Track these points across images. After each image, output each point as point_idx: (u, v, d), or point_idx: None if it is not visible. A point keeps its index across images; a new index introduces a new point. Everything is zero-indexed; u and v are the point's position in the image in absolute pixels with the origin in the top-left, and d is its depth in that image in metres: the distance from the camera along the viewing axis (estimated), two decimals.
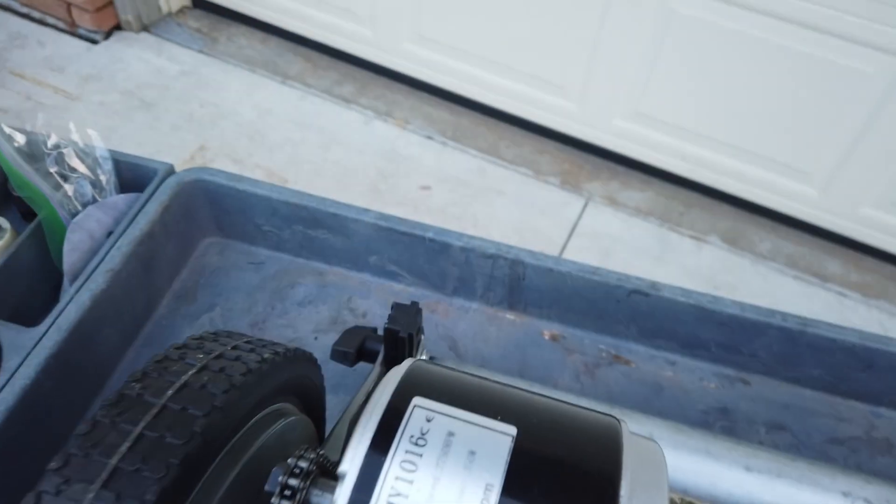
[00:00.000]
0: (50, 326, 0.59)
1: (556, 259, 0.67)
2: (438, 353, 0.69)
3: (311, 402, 0.46)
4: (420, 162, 1.87)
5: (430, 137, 1.97)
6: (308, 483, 0.29)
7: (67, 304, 0.61)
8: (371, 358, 0.57)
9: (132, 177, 0.74)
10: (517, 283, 0.70)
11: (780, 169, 1.71)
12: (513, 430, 0.26)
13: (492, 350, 0.70)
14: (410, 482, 0.25)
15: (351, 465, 0.25)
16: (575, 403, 0.31)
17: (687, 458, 0.54)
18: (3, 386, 0.55)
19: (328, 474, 0.31)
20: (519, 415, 0.27)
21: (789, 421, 0.65)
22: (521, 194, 1.87)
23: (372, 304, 0.74)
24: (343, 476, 0.25)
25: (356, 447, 0.26)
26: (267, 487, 0.29)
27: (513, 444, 0.26)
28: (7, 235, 0.68)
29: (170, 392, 0.33)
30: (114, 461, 0.29)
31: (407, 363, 0.30)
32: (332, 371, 0.67)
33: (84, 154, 0.70)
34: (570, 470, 0.26)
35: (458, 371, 0.30)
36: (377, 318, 0.72)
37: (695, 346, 0.68)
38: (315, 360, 0.47)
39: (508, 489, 0.24)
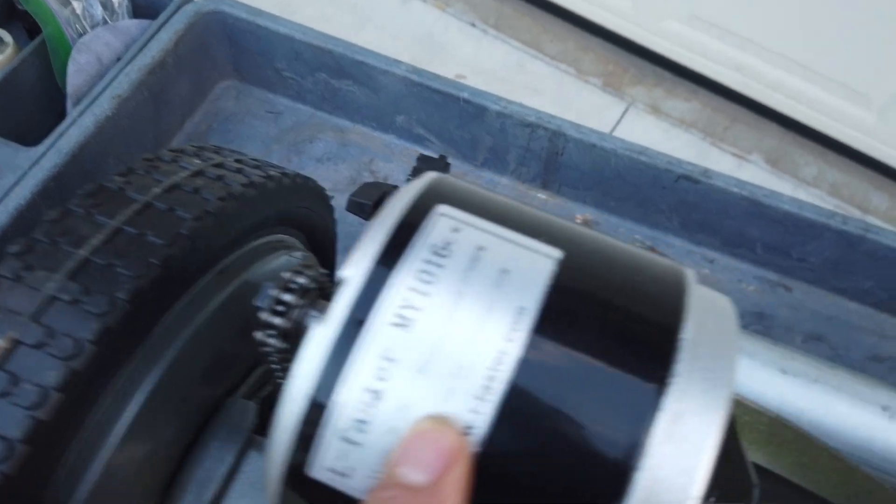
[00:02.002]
0: (50, 148, 0.55)
1: (601, 135, 0.61)
2: None
3: (318, 242, 0.42)
4: (457, 50, 1.77)
5: (470, 24, 1.86)
6: (305, 302, 0.25)
7: (69, 126, 0.56)
8: None
9: (146, 3, 0.68)
10: (554, 158, 0.64)
11: (837, 89, 1.59)
12: (557, 252, 0.22)
13: None
14: (426, 294, 0.20)
15: (355, 269, 0.21)
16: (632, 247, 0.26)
17: None
18: None
19: (323, 298, 0.27)
20: (565, 240, 0.22)
21: (829, 333, 0.61)
22: (560, 93, 1.78)
23: (395, 168, 0.68)
24: (343, 280, 0.21)
25: (363, 250, 0.21)
26: (256, 302, 0.25)
27: (556, 269, 0.21)
28: (9, 50, 0.63)
29: (156, 190, 0.28)
30: (83, 252, 0.25)
31: (429, 175, 0.25)
32: (344, 233, 0.63)
33: None
34: (624, 304, 0.21)
35: (485, 189, 0.25)
36: (398, 182, 0.67)
37: (738, 245, 0.62)
38: (326, 196, 0.43)
39: (545, 316, 0.20)
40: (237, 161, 0.33)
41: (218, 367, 0.31)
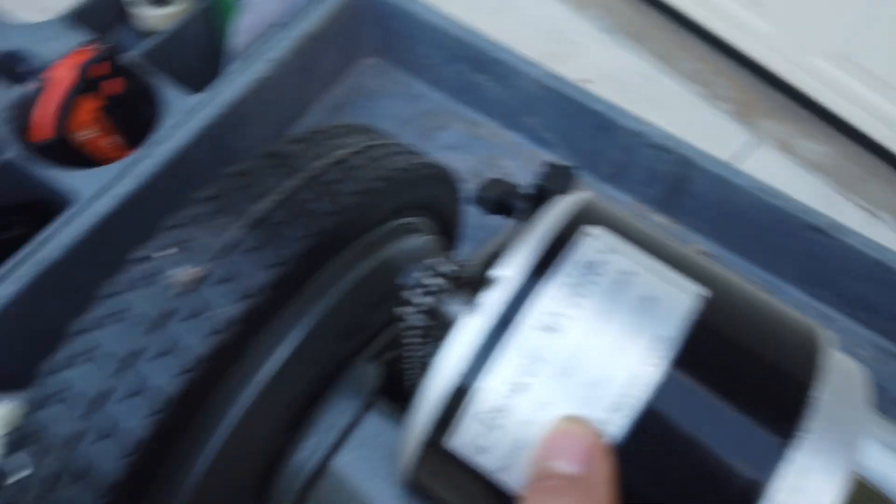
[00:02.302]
0: (208, 99, 0.59)
1: (734, 170, 0.60)
2: None
3: (444, 228, 0.44)
4: (588, 51, 1.75)
5: (605, 28, 1.83)
6: (448, 287, 0.27)
7: (227, 83, 0.61)
8: (509, 213, 0.54)
9: None
10: (680, 184, 0.63)
11: None
12: (703, 291, 0.22)
13: None
14: (577, 306, 0.21)
15: (512, 270, 0.22)
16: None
17: None
18: (158, 143, 0.56)
19: (466, 287, 0.28)
20: (710, 280, 0.23)
21: None
22: (686, 113, 1.73)
23: (518, 167, 0.70)
24: (495, 280, 0.22)
25: (520, 254, 0.22)
26: (404, 279, 0.27)
27: (700, 306, 0.22)
28: (185, 3, 0.68)
29: (324, 161, 0.31)
30: (263, 206, 0.28)
31: (583, 194, 0.26)
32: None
33: None
34: (761, 352, 0.21)
35: (636, 219, 0.26)
36: (521, 183, 0.68)
37: (859, 308, 0.60)
38: (459, 188, 0.45)
39: (685, 349, 0.21)
40: (396, 146, 0.36)
41: (351, 329, 0.33)
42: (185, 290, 0.25)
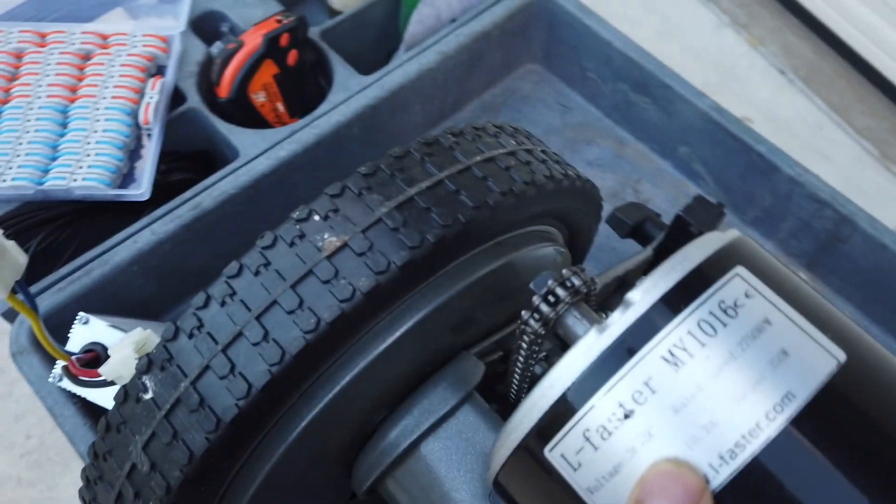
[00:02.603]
0: (375, 81, 0.62)
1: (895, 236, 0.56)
2: None
3: (577, 242, 0.44)
4: (755, 90, 1.67)
5: (779, 69, 1.74)
6: (573, 301, 0.27)
7: (395, 68, 0.63)
8: (644, 239, 0.53)
9: None
10: (833, 243, 0.59)
11: None
12: (841, 354, 0.21)
13: None
14: (703, 344, 0.21)
15: (645, 295, 0.22)
16: None
17: None
18: (321, 115, 0.60)
19: (591, 303, 0.28)
20: (852, 344, 0.22)
21: None
22: (852, 170, 1.61)
23: (660, 195, 0.68)
24: (630, 303, 0.22)
25: (655, 282, 0.22)
26: (532, 285, 0.27)
27: (835, 370, 0.21)
28: None
29: (477, 158, 0.32)
30: (412, 191, 0.29)
31: (731, 232, 0.26)
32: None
33: None
34: (888, 429, 0.20)
35: (788, 267, 0.25)
36: (660, 211, 0.67)
37: None
38: (601, 205, 0.44)
39: (810, 411, 0.20)
40: (543, 152, 0.36)
41: (466, 322, 0.34)
42: (327, 255, 0.27)
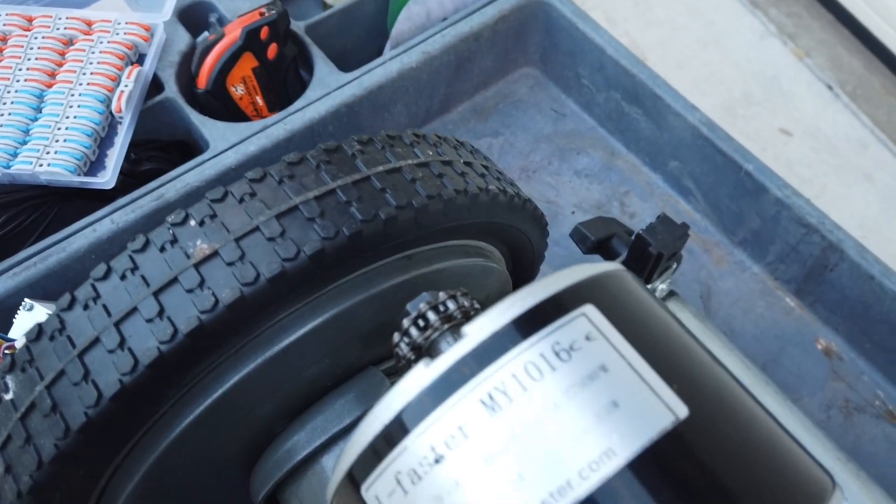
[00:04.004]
0: (355, 79, 0.61)
1: (885, 269, 0.52)
2: (686, 296, 0.60)
3: (521, 259, 0.42)
4: (797, 103, 1.60)
5: (825, 83, 1.67)
6: (445, 326, 0.25)
7: (377, 66, 0.62)
8: (609, 256, 0.51)
9: None
10: (821, 271, 0.56)
11: None
12: (683, 410, 0.19)
13: (747, 326, 0.59)
14: (524, 389, 0.19)
15: (479, 330, 0.20)
16: (792, 435, 0.22)
17: None
18: (295, 112, 0.59)
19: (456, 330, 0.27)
20: (703, 398, 0.20)
21: None
22: (893, 193, 1.54)
23: (647, 209, 0.65)
24: (462, 336, 0.21)
25: (495, 314, 0.21)
26: (408, 306, 0.26)
27: (671, 428, 0.19)
28: None
29: (380, 168, 0.31)
30: (296, 200, 0.28)
31: (609, 265, 0.24)
32: (561, 255, 0.62)
33: None
34: (712, 499, 0.18)
35: (665, 310, 0.23)
36: (645, 225, 0.64)
37: None
38: (545, 225, 0.42)
39: (631, 470, 0.18)
40: (467, 164, 0.34)
41: (375, 336, 0.33)
42: (195, 263, 0.26)
